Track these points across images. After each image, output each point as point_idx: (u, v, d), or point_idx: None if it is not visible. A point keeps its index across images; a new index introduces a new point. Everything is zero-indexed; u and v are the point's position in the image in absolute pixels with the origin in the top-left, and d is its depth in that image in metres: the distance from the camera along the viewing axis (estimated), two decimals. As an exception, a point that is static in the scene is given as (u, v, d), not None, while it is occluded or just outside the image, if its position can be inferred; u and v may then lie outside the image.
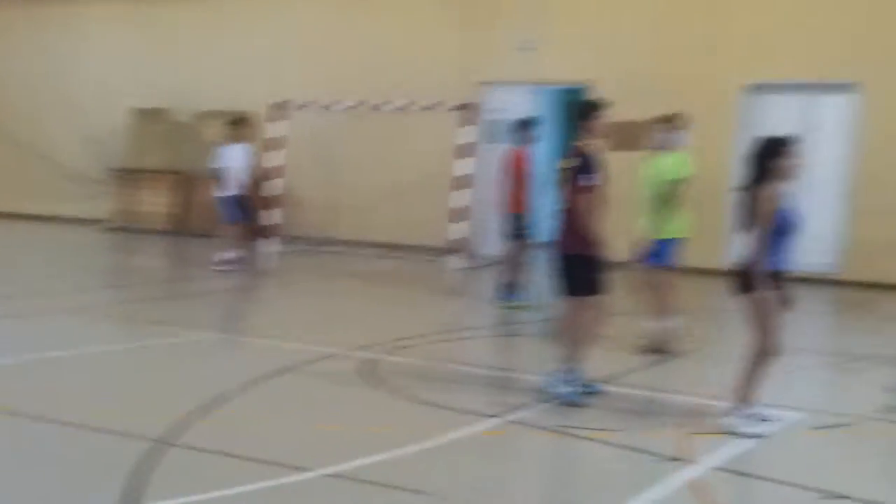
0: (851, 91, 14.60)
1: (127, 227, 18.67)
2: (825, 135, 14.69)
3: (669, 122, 9.14)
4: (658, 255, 8.87)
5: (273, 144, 17.57)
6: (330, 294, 13.34)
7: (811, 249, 12.86)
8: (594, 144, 7.25)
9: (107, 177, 19.58)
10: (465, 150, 16.04)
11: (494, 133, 16.01)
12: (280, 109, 17.49)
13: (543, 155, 13.71)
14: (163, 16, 20.55)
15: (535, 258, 11.75)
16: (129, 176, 19.52)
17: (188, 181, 19.14)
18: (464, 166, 15.97)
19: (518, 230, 11.37)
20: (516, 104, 16.13)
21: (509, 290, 11.36)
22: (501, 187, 11.43)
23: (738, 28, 15.35)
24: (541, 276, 10.94)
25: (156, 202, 18.44)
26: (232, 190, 14.09)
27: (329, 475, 5.53)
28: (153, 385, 7.80)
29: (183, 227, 18.58)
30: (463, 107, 16.19)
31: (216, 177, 14.35)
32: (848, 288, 14.26)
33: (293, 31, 19.03)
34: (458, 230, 15.85)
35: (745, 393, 6.33)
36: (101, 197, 19.60)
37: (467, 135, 16.03)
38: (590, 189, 7.09)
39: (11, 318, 10.09)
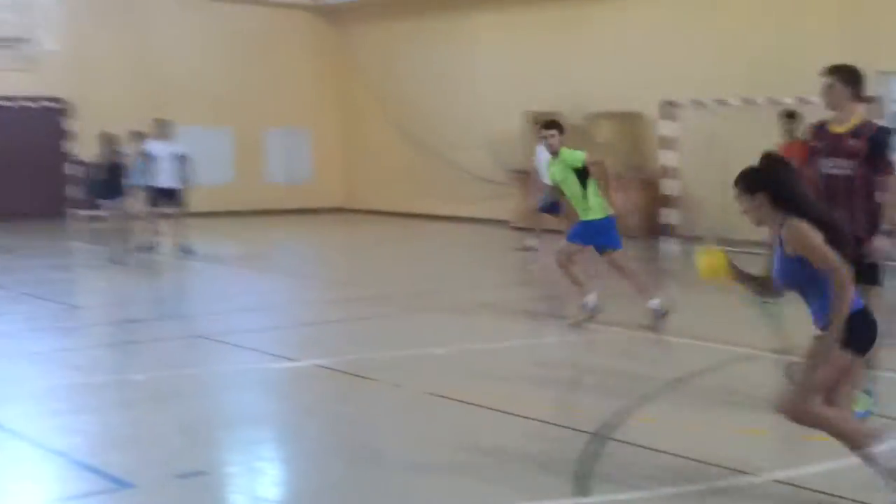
0: None
1: (530, 227, 19.47)
2: None
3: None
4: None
5: (666, 144, 17.63)
6: (737, 295, 13.16)
7: None
8: None
9: (508, 179, 20.48)
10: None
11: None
12: (672, 108, 17.50)
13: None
14: (550, 20, 21.20)
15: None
16: (526, 177, 20.29)
17: (581, 182, 19.62)
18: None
19: None
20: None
21: None
22: None
23: None
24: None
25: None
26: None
27: (778, 481, 5.53)
28: (580, 378, 8.14)
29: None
30: (867, 99, 15.38)
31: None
32: None
33: (679, 28, 18.96)
34: None
35: None
36: (503, 198, 20.55)
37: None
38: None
39: (445, 312, 10.93)
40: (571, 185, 10.03)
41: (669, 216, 17.44)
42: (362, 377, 8.06)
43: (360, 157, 25.95)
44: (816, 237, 4.81)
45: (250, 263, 16.45)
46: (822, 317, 4.86)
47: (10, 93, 21.57)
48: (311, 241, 20.68)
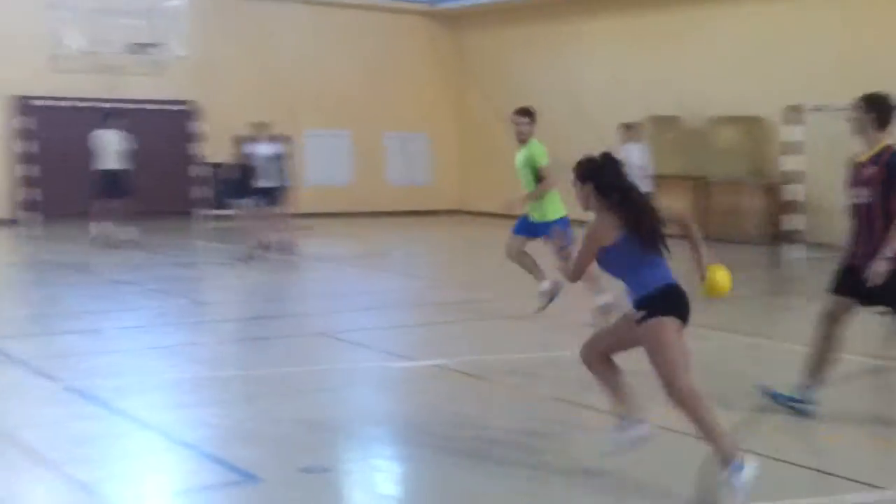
0: None
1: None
2: None
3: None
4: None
5: (789, 149, 17.24)
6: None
7: None
8: None
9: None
10: None
11: None
12: (795, 113, 17.11)
13: None
14: (669, 24, 20.95)
15: None
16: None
17: (703, 187, 19.36)
18: None
19: None
20: None
21: None
22: None
23: None
24: None
25: (673, 207, 19.01)
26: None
27: (908, 495, 5.38)
28: (703, 386, 8.01)
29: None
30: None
31: None
32: None
33: (802, 31, 18.55)
34: None
35: None
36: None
37: None
38: None
39: (565, 315, 10.91)
40: (528, 180, 10.30)
41: (793, 222, 17.06)
42: (480, 378, 8.10)
43: (476, 160, 26.03)
44: (597, 239, 5.47)
45: (369, 263, 16.66)
46: (636, 297, 5.46)
47: (140, 96, 22.28)
48: (428, 243, 20.84)
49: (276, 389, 7.77)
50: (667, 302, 5.40)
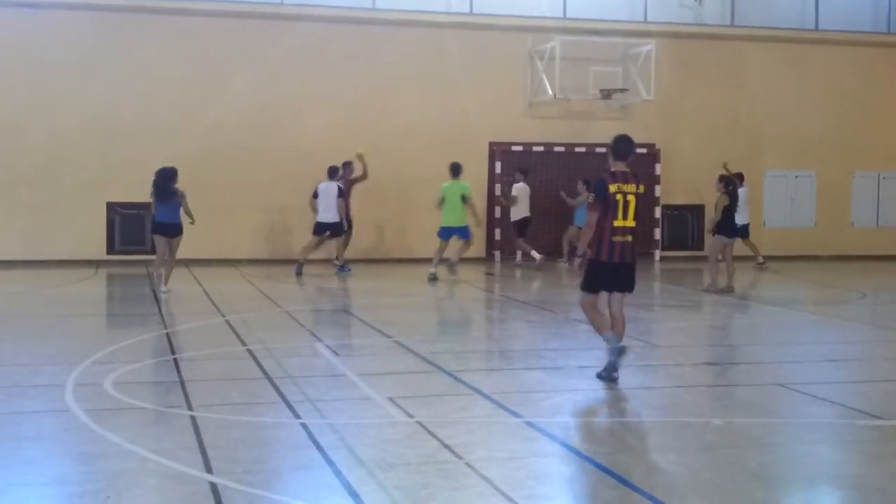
0: None
1: None
2: None
3: None
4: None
5: None
6: None
7: None
8: None
9: None
10: None
11: None
12: None
13: None
14: None
15: None
16: None
17: None
18: None
19: None
20: None
21: None
22: None
23: None
24: None
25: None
26: None
27: None
28: None
29: None
30: None
31: None
32: None
33: None
34: None
35: None
36: None
37: None
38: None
39: None
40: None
41: None
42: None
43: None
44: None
45: (831, 310, 15.87)
46: None
47: (607, 140, 22.88)
48: (898, 290, 19.41)
49: (732, 440, 7.62)
50: (154, 226, 15.55)
